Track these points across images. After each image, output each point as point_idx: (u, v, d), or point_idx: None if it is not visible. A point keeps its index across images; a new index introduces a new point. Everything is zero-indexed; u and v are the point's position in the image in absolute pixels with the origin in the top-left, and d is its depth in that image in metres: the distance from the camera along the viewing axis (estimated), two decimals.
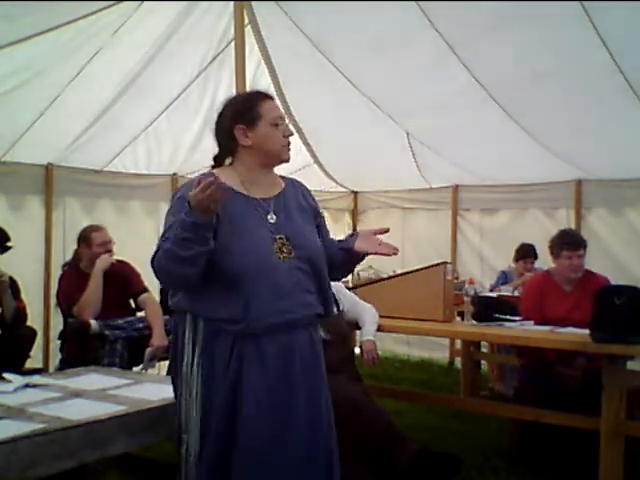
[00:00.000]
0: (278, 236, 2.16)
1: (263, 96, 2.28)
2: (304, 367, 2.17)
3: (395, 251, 2.23)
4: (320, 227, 2.36)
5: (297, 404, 2.12)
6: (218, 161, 2.31)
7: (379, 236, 2.28)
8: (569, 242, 3.98)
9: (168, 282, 2.18)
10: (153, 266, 2.07)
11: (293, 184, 2.37)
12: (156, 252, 2.06)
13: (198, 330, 2.12)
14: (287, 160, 2.28)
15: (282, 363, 2.12)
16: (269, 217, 2.19)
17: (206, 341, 2.11)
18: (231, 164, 2.27)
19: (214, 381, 2.08)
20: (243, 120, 2.20)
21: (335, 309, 3.81)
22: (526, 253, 5.73)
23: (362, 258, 2.34)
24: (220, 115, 2.28)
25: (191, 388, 2.09)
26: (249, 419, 2.05)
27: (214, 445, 2.06)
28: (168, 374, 2.34)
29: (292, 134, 2.28)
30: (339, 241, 2.39)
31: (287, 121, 2.30)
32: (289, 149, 2.26)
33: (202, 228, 1.97)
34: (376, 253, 2.26)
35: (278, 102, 2.34)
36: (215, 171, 2.21)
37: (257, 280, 2.09)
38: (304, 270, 2.18)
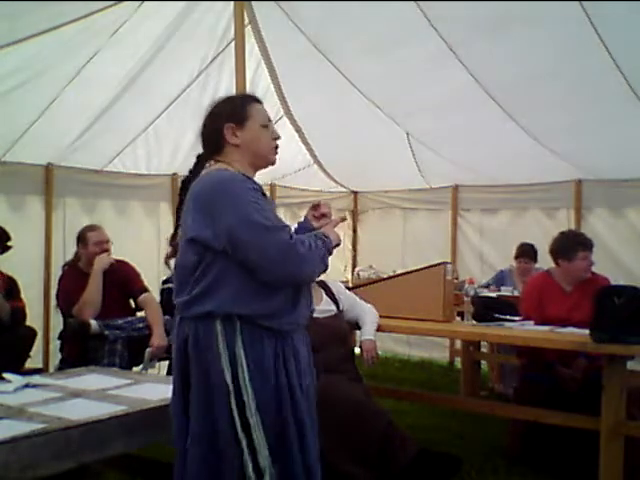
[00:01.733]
0: None
1: (253, 99, 2.32)
2: (308, 364, 2.25)
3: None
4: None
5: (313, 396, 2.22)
6: (202, 160, 2.32)
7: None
8: (584, 242, 3.98)
9: (303, 277, 2.11)
10: (295, 248, 2.01)
11: None
12: (297, 245, 2.04)
13: (236, 335, 2.03)
14: (273, 163, 2.30)
15: (307, 358, 2.22)
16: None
17: (249, 347, 2.03)
18: (220, 162, 2.24)
19: (265, 392, 2.02)
20: (233, 119, 2.22)
21: (335, 309, 3.84)
22: (522, 252, 5.71)
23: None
24: (209, 114, 2.31)
25: (245, 401, 1.99)
26: (308, 436, 2.11)
27: (279, 458, 2.02)
28: (168, 374, 2.35)
29: (279, 137, 2.30)
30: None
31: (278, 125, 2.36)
32: (276, 152, 2.29)
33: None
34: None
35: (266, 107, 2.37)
36: (228, 168, 2.19)
37: None
38: None
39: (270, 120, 2.32)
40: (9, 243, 4.23)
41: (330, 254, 2.17)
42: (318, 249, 2.11)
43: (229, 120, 2.22)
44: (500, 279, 5.85)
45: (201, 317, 2.06)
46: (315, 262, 2.09)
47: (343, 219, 2.43)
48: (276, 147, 2.29)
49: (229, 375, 2.00)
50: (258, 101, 2.33)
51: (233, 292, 2.04)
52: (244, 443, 1.98)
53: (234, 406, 1.99)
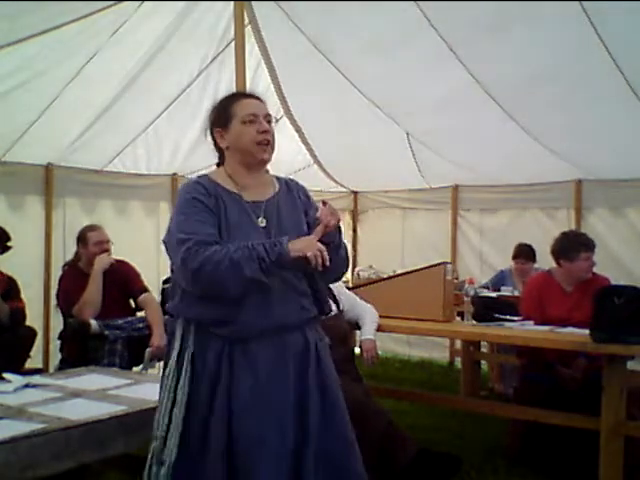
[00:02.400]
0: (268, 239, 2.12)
1: (239, 96, 2.29)
2: (297, 368, 2.15)
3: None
4: (310, 225, 2.27)
5: (287, 404, 2.10)
6: (219, 165, 2.33)
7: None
8: (586, 243, 3.98)
9: (203, 284, 2.06)
10: (197, 256, 2.01)
11: (288, 184, 2.33)
12: (205, 246, 2.02)
13: (190, 335, 2.12)
14: (264, 159, 2.21)
15: (272, 365, 2.11)
16: (259, 220, 2.17)
17: (196, 344, 2.10)
18: (221, 165, 2.28)
19: (200, 384, 2.07)
20: (219, 123, 2.23)
21: (335, 309, 3.84)
22: (519, 253, 5.70)
23: (331, 253, 2.13)
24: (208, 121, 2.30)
25: (177, 394, 2.07)
26: (238, 420, 2.04)
27: (192, 457, 2.03)
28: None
29: (267, 130, 2.19)
30: None
31: (265, 119, 2.21)
32: (265, 147, 2.19)
33: (279, 266, 2.02)
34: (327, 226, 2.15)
35: (260, 102, 2.25)
36: (208, 172, 2.25)
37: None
38: (295, 274, 2.16)
39: (256, 115, 2.19)
40: (9, 243, 4.23)
41: (271, 260, 2.01)
42: (231, 256, 2.00)
43: (216, 125, 2.24)
44: (500, 279, 5.85)
45: (169, 314, 2.21)
46: (217, 270, 1.99)
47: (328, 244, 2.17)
48: (264, 142, 2.18)
49: (175, 373, 2.09)
50: (246, 96, 2.28)
51: (181, 296, 2.14)
52: (158, 431, 2.05)
53: (168, 402, 2.07)
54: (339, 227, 2.20)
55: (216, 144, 2.26)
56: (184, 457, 2.02)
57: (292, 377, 2.14)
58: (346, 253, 2.30)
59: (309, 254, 2.00)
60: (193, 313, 2.13)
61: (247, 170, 2.22)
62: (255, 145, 2.18)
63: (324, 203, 2.19)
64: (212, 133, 2.26)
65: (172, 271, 2.19)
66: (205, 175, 2.24)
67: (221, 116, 2.23)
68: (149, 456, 2.04)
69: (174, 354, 2.12)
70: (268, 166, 2.30)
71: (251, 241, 2.06)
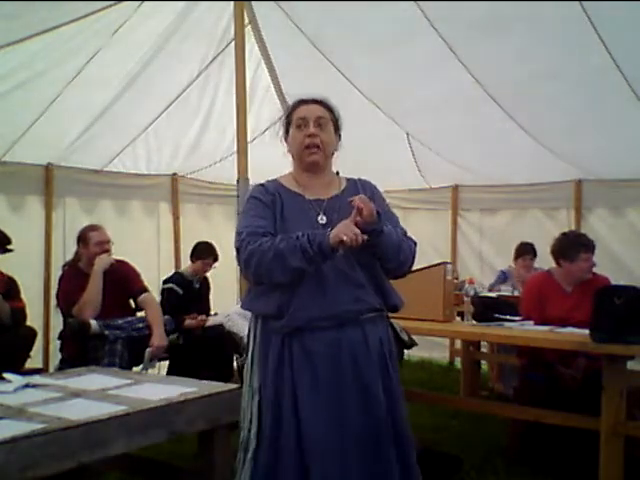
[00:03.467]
0: None
1: (299, 103, 2.40)
2: (355, 364, 2.20)
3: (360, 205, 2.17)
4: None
5: (348, 402, 2.17)
6: None
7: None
8: (587, 244, 3.98)
9: (255, 270, 2.20)
10: (246, 248, 2.18)
11: (357, 184, 2.42)
12: (254, 237, 2.19)
13: (257, 329, 2.31)
14: (311, 163, 2.31)
15: (329, 361, 2.19)
16: (319, 218, 2.27)
17: (262, 338, 2.27)
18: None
19: (266, 382, 2.23)
20: (286, 131, 2.38)
21: None
22: (524, 250, 5.73)
23: (372, 239, 2.18)
24: None
25: (251, 386, 2.28)
26: (305, 421, 2.15)
27: (270, 443, 2.20)
28: (168, 374, 2.42)
29: (313, 134, 2.29)
30: None
31: (314, 123, 2.33)
32: (313, 150, 2.29)
33: (322, 255, 2.11)
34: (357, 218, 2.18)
35: (315, 106, 2.38)
36: (278, 176, 2.40)
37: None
38: (347, 266, 2.21)
39: (305, 118, 2.31)
40: (9, 246, 4.23)
41: (314, 251, 2.10)
42: (276, 247, 2.14)
43: (285, 132, 2.39)
44: (504, 280, 5.86)
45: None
46: (263, 259, 2.14)
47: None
48: (311, 145, 2.29)
49: (250, 367, 2.31)
50: (305, 102, 2.40)
51: (249, 290, 2.36)
52: (244, 422, 2.29)
53: (247, 395, 2.29)
54: (379, 215, 2.20)
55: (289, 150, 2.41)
56: (262, 446, 2.20)
57: (350, 374, 2.19)
58: (406, 245, 2.32)
59: (344, 237, 2.05)
60: (257, 307, 2.31)
61: (305, 172, 2.35)
62: (304, 149, 2.30)
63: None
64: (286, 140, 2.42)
65: None
66: (275, 178, 2.41)
67: (286, 124, 2.39)
68: (240, 442, 2.28)
69: (250, 348, 2.32)
70: (337, 167, 2.45)
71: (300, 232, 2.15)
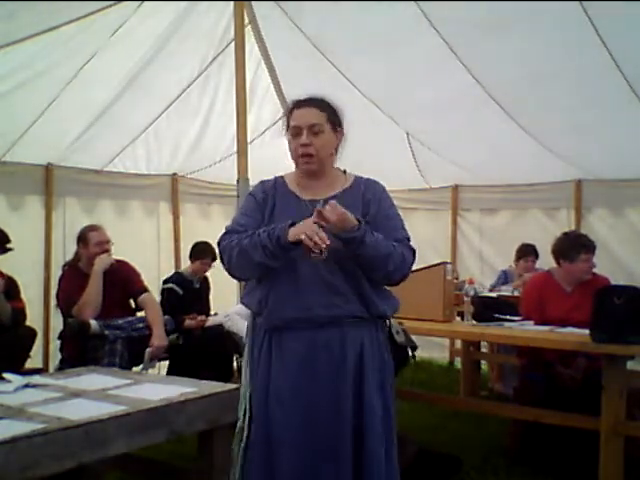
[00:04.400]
0: None
1: (293, 106, 2.38)
2: (331, 366, 2.18)
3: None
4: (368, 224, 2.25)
5: (319, 404, 2.15)
6: None
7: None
8: (587, 244, 3.99)
9: (227, 267, 2.28)
10: (220, 245, 2.28)
11: (360, 185, 2.38)
12: (230, 235, 2.26)
13: (250, 323, 2.39)
14: (305, 171, 2.31)
15: (304, 360, 2.19)
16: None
17: (252, 334, 2.35)
18: None
19: (255, 373, 2.30)
20: (288, 127, 2.37)
21: None
22: (526, 252, 5.73)
23: (352, 248, 2.17)
24: None
25: (244, 378, 2.34)
26: (275, 419, 2.20)
27: (257, 431, 2.25)
28: (168, 374, 2.44)
29: (306, 144, 2.26)
30: None
31: (308, 131, 2.29)
32: (306, 159, 2.27)
33: (282, 249, 2.12)
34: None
35: (309, 109, 2.35)
36: (286, 173, 2.41)
37: (279, 274, 2.20)
38: (331, 271, 2.18)
39: (299, 127, 2.28)
40: (9, 245, 4.23)
41: (274, 245, 2.11)
42: (241, 243, 2.19)
43: (286, 130, 2.38)
44: (505, 280, 5.86)
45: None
46: (232, 255, 2.21)
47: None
48: (304, 154, 2.27)
49: (245, 361, 2.38)
50: (299, 105, 2.38)
51: (245, 286, 2.44)
52: (240, 412, 2.33)
53: (242, 387, 2.35)
54: (360, 223, 2.16)
55: None
56: (253, 440, 2.25)
57: (324, 375, 2.18)
58: (398, 254, 2.24)
59: (302, 236, 2.03)
60: (246, 301, 2.37)
61: (302, 176, 2.36)
62: (298, 157, 2.29)
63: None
64: None
65: None
66: (282, 175, 2.43)
67: (286, 124, 2.38)
68: (236, 431, 2.32)
69: (246, 341, 2.40)
70: (344, 166, 2.46)
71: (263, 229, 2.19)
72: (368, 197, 2.33)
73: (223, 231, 2.31)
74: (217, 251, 2.34)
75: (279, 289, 2.22)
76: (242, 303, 2.45)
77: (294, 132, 2.28)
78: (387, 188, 2.49)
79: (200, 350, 4.75)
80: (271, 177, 2.44)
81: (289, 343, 2.22)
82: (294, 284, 2.20)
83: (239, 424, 2.32)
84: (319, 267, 2.17)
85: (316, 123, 2.28)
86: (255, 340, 2.33)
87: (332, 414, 2.16)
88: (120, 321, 4.09)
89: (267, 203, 2.31)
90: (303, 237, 2.02)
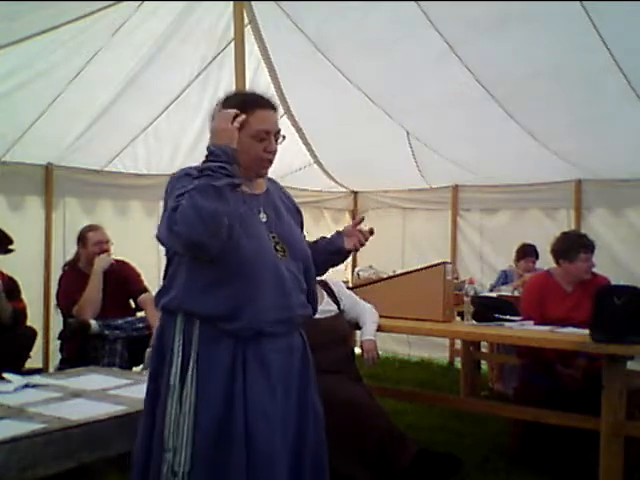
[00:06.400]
0: (272, 235, 2.10)
1: (256, 104, 2.13)
2: (299, 371, 2.12)
3: (367, 235, 2.32)
4: (301, 226, 2.31)
5: (289, 410, 2.06)
6: None
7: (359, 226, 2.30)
8: (586, 244, 3.99)
9: (197, 231, 1.84)
10: (171, 228, 1.87)
11: (273, 183, 2.29)
12: (171, 212, 1.89)
13: (193, 334, 1.97)
14: (262, 174, 2.16)
15: (283, 369, 2.05)
16: (261, 216, 2.12)
17: (201, 343, 1.96)
18: None
19: (211, 394, 1.95)
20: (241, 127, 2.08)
21: (335, 308, 3.84)
22: (527, 252, 5.73)
23: (349, 254, 2.32)
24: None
25: (183, 402, 1.93)
26: (260, 435, 1.95)
27: (208, 464, 1.93)
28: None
29: (275, 150, 2.11)
30: (323, 240, 2.34)
31: (275, 137, 2.13)
32: (265, 165, 2.12)
33: (231, 155, 1.92)
34: (362, 245, 2.31)
35: (274, 113, 2.17)
36: None
37: (264, 276, 2.01)
38: (297, 270, 2.13)
39: (269, 132, 2.08)
40: (11, 246, 4.23)
41: (221, 167, 1.90)
42: (190, 192, 1.88)
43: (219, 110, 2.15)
44: (505, 280, 5.86)
45: (165, 310, 2.06)
46: (188, 215, 1.84)
47: (362, 219, 2.38)
48: (269, 160, 2.11)
49: (179, 378, 1.95)
50: (264, 106, 2.14)
51: (182, 287, 2.01)
52: (170, 443, 1.93)
53: (173, 405, 1.94)
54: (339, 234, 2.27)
55: None
56: (199, 467, 1.92)
57: (296, 381, 2.10)
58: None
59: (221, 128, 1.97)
60: (198, 305, 1.97)
61: (253, 175, 2.15)
62: (259, 162, 2.10)
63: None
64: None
65: (169, 261, 2.13)
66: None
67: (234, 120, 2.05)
68: (164, 467, 1.93)
69: (176, 359, 1.96)
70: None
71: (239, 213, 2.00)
72: (286, 194, 2.33)
73: (168, 213, 1.95)
74: (169, 227, 1.90)
75: (265, 290, 2.00)
76: (177, 309, 2.01)
77: (260, 136, 2.07)
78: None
79: None
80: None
81: (269, 351, 2.02)
82: (277, 286, 2.03)
83: (170, 457, 1.92)
84: (291, 266, 2.09)
85: (279, 130, 2.16)
86: (210, 353, 1.97)
87: (298, 423, 2.08)
88: (120, 321, 4.09)
89: None
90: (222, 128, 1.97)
